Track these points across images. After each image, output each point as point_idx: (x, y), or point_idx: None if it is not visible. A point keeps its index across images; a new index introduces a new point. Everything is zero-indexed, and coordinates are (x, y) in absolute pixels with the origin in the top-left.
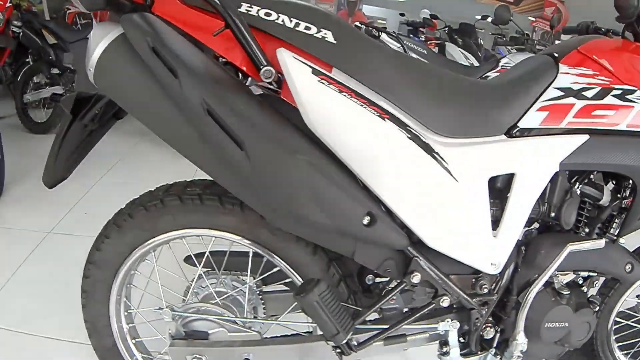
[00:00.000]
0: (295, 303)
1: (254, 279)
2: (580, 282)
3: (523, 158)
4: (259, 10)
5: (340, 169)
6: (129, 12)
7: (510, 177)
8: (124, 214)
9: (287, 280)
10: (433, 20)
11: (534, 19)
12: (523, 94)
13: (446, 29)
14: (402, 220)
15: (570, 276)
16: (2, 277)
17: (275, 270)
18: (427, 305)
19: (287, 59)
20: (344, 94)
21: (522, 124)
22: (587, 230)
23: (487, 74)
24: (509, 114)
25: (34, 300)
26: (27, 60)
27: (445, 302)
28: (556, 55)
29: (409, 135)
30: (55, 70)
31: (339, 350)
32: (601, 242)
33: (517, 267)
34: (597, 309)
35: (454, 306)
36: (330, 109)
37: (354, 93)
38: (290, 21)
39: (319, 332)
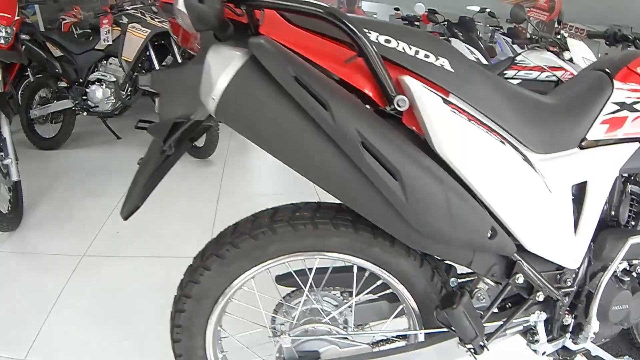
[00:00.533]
0: (397, 310)
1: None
2: (632, 269)
3: (593, 167)
4: (378, 36)
5: (465, 189)
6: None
7: (583, 184)
8: (226, 244)
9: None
10: (434, 14)
11: (528, 9)
12: (589, 109)
13: (445, 23)
14: (511, 231)
15: (623, 264)
16: (43, 311)
17: (378, 283)
18: (526, 301)
19: (417, 88)
20: (472, 122)
21: (590, 136)
22: (632, 223)
23: (505, 72)
24: (580, 128)
25: (82, 331)
26: (27, 74)
27: (540, 297)
28: (609, 71)
29: (523, 157)
30: (62, 84)
31: (472, 350)
32: None
33: (590, 261)
34: None
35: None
36: (461, 136)
37: (478, 120)
38: (410, 49)
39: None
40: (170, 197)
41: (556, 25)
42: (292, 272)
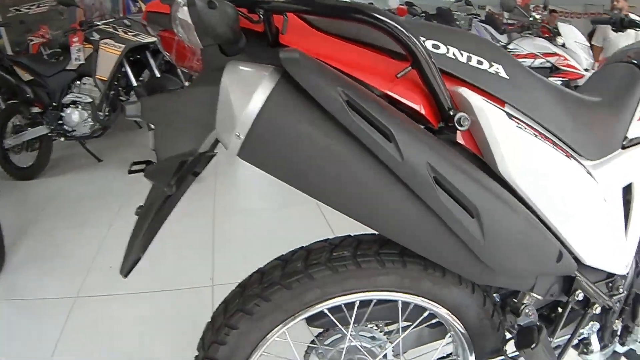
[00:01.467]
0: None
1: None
2: None
3: (637, 167)
4: (424, 41)
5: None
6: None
7: (629, 186)
8: (254, 298)
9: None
10: (412, 6)
11: None
12: (626, 106)
13: (423, 15)
14: (573, 249)
15: None
16: None
17: (425, 315)
18: (585, 315)
19: (478, 102)
20: (539, 137)
21: (630, 135)
22: None
23: None
24: (621, 127)
25: None
26: None
27: (597, 309)
28: (639, 63)
29: (587, 170)
30: (35, 109)
31: None
32: None
33: (637, 263)
34: None
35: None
36: (529, 155)
37: (541, 134)
38: (462, 55)
39: None
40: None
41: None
42: (326, 311)
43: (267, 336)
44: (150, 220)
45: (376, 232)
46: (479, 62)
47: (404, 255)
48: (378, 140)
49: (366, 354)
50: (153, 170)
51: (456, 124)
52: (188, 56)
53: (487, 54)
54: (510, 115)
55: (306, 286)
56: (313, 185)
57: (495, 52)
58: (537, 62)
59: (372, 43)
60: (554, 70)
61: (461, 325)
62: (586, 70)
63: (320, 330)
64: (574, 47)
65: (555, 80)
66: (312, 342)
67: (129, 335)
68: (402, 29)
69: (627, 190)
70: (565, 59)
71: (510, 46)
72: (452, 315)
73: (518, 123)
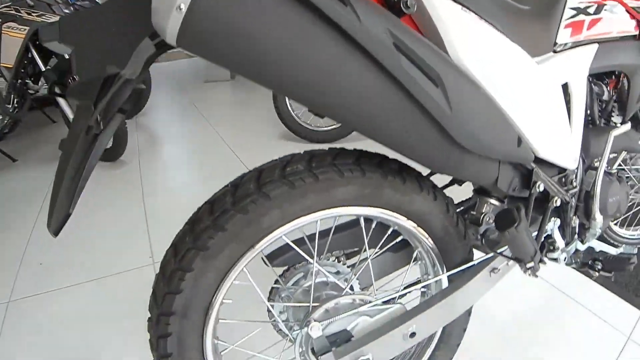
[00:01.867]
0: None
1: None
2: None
3: (570, 68)
4: None
5: None
6: None
7: (565, 86)
8: (207, 232)
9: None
10: None
11: None
12: (553, 14)
13: None
14: (526, 137)
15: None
16: None
17: (389, 232)
18: (547, 209)
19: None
20: (483, 21)
21: (559, 40)
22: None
23: None
24: (550, 33)
25: None
26: None
27: (557, 202)
28: None
29: (535, 61)
30: None
31: (531, 269)
32: (628, 126)
33: (584, 160)
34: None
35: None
36: (476, 38)
37: (486, 20)
38: None
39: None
40: (89, 210)
41: None
42: (290, 243)
43: (227, 276)
44: (76, 164)
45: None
46: None
47: (361, 163)
48: (334, 4)
49: (332, 291)
50: (77, 88)
51: (403, 7)
52: None
53: None
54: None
55: (263, 208)
56: (267, 66)
57: None
58: None
59: None
60: None
61: (428, 237)
62: None
63: (283, 269)
64: None
65: None
66: (276, 282)
67: (74, 330)
68: None
69: (565, 90)
70: None
71: None
72: (417, 228)
73: (462, 7)
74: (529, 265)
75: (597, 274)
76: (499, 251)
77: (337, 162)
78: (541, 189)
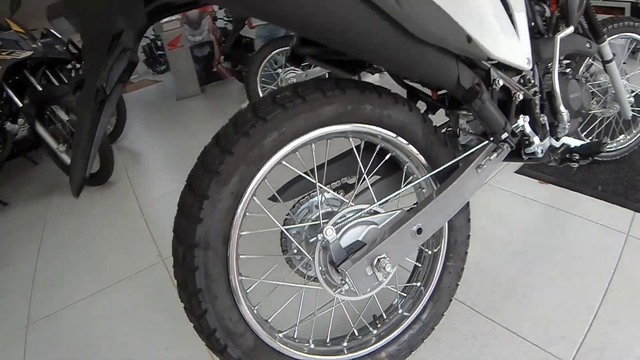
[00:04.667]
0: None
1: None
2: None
3: None
4: None
5: None
6: None
7: None
8: (218, 158)
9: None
10: None
11: None
12: None
13: None
14: (475, 37)
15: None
16: None
17: (377, 149)
18: (512, 103)
19: None
20: None
21: None
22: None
23: None
24: None
25: None
26: None
27: (520, 96)
28: None
29: None
30: None
31: (506, 145)
32: (571, 29)
33: (536, 62)
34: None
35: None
36: None
37: None
38: None
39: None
40: (92, 230)
41: None
42: (301, 173)
43: (241, 202)
44: (87, 131)
45: None
46: None
47: (340, 85)
48: None
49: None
50: (90, 42)
51: None
52: None
53: None
54: None
55: (262, 130)
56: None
57: None
58: None
59: None
60: None
61: (412, 146)
62: None
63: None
64: None
65: None
66: (287, 214)
67: (99, 339)
68: None
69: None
70: None
71: None
72: (401, 139)
73: None
74: (503, 136)
75: (576, 164)
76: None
77: (319, 85)
78: (500, 84)
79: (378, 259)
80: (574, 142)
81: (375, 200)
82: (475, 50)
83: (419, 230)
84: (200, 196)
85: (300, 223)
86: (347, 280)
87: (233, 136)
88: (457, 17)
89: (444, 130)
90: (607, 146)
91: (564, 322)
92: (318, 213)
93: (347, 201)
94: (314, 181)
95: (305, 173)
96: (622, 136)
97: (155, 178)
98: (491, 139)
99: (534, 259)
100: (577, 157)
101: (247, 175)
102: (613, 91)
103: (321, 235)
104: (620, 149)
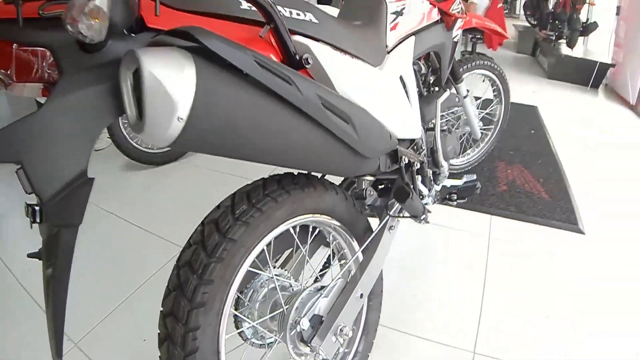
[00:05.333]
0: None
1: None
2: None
3: (400, 62)
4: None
5: None
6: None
7: (401, 77)
8: (198, 293)
9: None
10: None
11: None
12: (382, 24)
13: None
14: (391, 130)
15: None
16: None
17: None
18: (413, 172)
19: (312, 43)
20: (352, 57)
21: (389, 43)
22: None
23: None
24: (383, 40)
25: None
26: None
27: (417, 165)
28: None
29: (379, 69)
30: None
31: (424, 220)
32: (448, 92)
33: (424, 129)
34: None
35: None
36: (347, 72)
37: (352, 54)
38: (285, 10)
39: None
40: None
41: None
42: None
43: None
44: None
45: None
46: (297, 14)
47: (285, 187)
48: (284, 85)
49: (284, 292)
50: (54, 211)
51: (304, 63)
52: (35, 66)
53: (299, 6)
54: (335, 47)
55: (232, 251)
56: (246, 146)
57: (302, 3)
58: None
59: (223, 14)
60: None
61: (339, 223)
62: None
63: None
64: None
65: None
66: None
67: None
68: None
69: (401, 80)
70: None
71: None
72: (330, 219)
73: (333, 47)
74: (422, 217)
75: (454, 203)
76: (398, 215)
77: (267, 192)
78: (406, 160)
79: (340, 328)
80: (450, 182)
81: (319, 276)
82: (393, 143)
83: (361, 295)
84: (193, 328)
85: (257, 310)
86: (319, 351)
87: (205, 259)
88: (382, 119)
89: (349, 191)
90: (460, 160)
91: (459, 318)
92: (276, 298)
93: (300, 285)
94: (270, 275)
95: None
96: (470, 150)
97: (139, 210)
98: (396, 204)
99: (424, 273)
100: (455, 198)
101: (224, 294)
102: (465, 117)
103: (297, 327)
104: (471, 160)
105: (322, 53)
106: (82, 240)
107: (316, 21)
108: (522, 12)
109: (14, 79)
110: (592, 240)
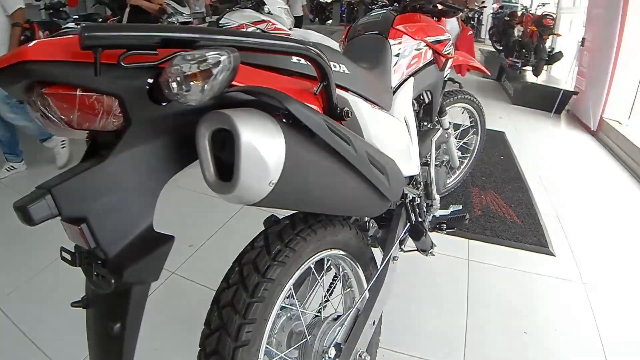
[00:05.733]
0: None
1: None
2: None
3: (403, 104)
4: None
5: None
6: None
7: (404, 117)
8: (241, 333)
9: None
10: None
11: None
12: (387, 66)
13: None
14: (402, 170)
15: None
16: None
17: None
18: (414, 206)
19: (349, 96)
20: (377, 108)
21: (393, 84)
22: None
23: None
24: (388, 81)
25: None
26: None
27: (417, 200)
28: (382, 34)
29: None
30: None
31: (431, 254)
32: (441, 130)
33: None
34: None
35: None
36: (373, 122)
37: (377, 105)
38: (336, 66)
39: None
40: None
41: None
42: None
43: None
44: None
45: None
46: (334, 66)
47: (310, 226)
48: (344, 145)
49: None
50: (135, 269)
51: (344, 117)
52: (99, 114)
53: (336, 58)
54: (366, 99)
55: (272, 289)
56: (319, 200)
57: (337, 55)
58: (250, 30)
59: (282, 68)
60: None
61: (350, 255)
62: (290, 29)
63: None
64: (278, 12)
65: None
66: None
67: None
68: (322, 56)
69: (405, 121)
70: (273, 24)
71: (222, 21)
72: (342, 251)
73: (371, 105)
74: (430, 250)
75: (444, 232)
76: (406, 249)
77: (297, 232)
78: (410, 198)
79: (359, 354)
80: (439, 212)
81: (335, 309)
82: (406, 182)
83: (374, 322)
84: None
85: (281, 341)
86: None
87: (250, 303)
88: (399, 162)
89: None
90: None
91: (447, 336)
92: (297, 329)
93: (319, 314)
94: (298, 309)
95: None
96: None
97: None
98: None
99: (411, 295)
100: (444, 227)
101: (263, 331)
102: (444, 147)
103: (325, 355)
104: (448, 187)
105: (357, 105)
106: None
107: (348, 72)
108: (487, 36)
109: (75, 126)
110: (561, 261)
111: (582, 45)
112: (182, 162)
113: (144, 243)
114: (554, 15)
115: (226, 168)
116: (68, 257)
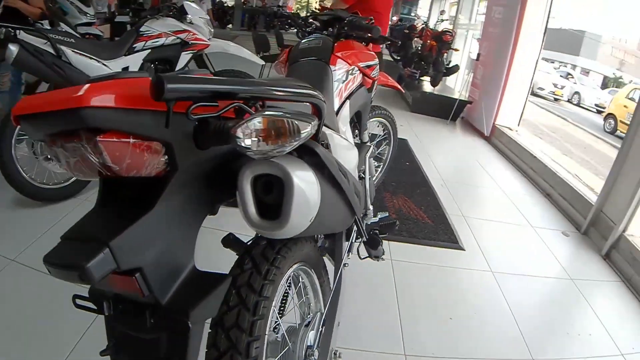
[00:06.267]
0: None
1: None
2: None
3: (343, 124)
4: None
5: None
6: None
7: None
8: (258, 315)
9: None
10: None
11: None
12: (330, 95)
13: None
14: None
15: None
16: None
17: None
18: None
19: (326, 130)
20: (336, 134)
21: (335, 108)
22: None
23: (134, 45)
24: (333, 108)
25: None
26: None
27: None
28: (324, 60)
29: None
30: None
31: (382, 259)
32: (372, 147)
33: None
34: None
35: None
36: (339, 147)
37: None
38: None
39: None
40: None
41: None
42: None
43: None
44: None
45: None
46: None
47: (285, 244)
48: (344, 180)
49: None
50: (200, 309)
51: (325, 148)
52: (147, 160)
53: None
54: (330, 129)
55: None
56: (329, 225)
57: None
58: (169, 40)
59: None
60: (184, 45)
61: (309, 266)
62: (209, 39)
63: None
64: (199, 22)
65: (187, 54)
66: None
67: None
68: (323, 101)
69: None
70: (194, 34)
71: (142, 29)
72: (305, 263)
73: (333, 131)
74: (382, 257)
75: (379, 238)
76: (363, 256)
77: (277, 250)
78: (369, 216)
79: (334, 352)
80: (371, 220)
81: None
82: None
83: (338, 323)
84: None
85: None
86: None
87: (254, 321)
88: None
89: None
90: None
91: (385, 328)
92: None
93: (295, 323)
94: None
95: None
96: None
97: None
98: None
99: (346, 295)
100: (377, 233)
101: (264, 345)
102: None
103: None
104: None
105: (331, 137)
106: None
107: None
108: (384, 46)
109: (123, 173)
110: (471, 254)
111: (477, 59)
112: (216, 201)
113: (197, 283)
114: (453, 32)
115: (264, 207)
116: (89, 304)
